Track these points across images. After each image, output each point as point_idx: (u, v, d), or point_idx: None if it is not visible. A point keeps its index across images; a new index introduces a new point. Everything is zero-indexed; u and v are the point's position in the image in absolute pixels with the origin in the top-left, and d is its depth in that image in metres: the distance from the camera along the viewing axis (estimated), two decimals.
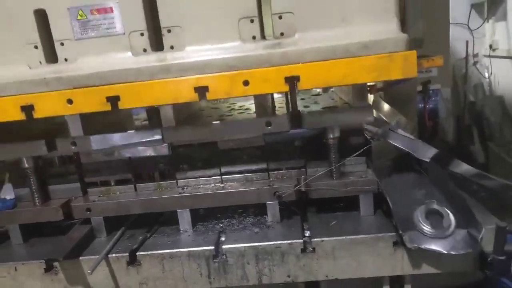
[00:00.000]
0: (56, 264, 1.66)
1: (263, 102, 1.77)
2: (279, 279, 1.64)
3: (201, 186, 1.85)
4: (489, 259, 1.52)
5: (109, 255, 1.66)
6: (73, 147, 1.75)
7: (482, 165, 6.04)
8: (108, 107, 1.56)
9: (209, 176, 1.85)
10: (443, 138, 7.61)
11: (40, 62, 1.63)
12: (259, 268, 1.64)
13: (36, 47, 1.62)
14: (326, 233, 1.64)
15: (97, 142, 1.73)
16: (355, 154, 1.75)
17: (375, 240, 1.59)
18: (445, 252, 1.48)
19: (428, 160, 1.82)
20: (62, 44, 1.61)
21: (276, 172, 1.85)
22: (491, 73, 6.36)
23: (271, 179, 1.84)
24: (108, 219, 1.83)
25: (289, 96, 1.82)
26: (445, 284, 1.75)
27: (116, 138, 1.74)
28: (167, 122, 1.74)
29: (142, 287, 1.68)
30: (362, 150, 1.75)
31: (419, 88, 2.81)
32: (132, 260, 1.65)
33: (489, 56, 6.33)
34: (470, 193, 1.84)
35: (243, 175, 1.86)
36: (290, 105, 1.82)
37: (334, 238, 1.61)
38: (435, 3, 2.62)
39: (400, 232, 1.55)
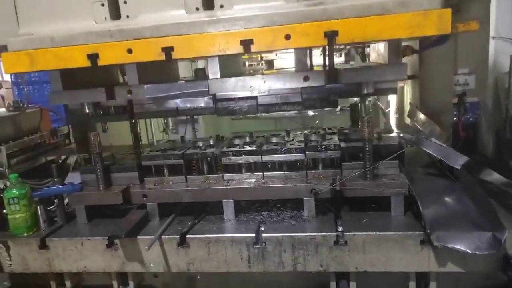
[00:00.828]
0: (116, 241, 1.90)
1: (303, 58, 1.84)
2: (312, 268, 1.80)
3: (245, 180, 2.04)
4: (511, 261, 1.62)
5: (162, 236, 1.88)
6: (129, 95, 1.92)
7: None
8: (162, 57, 1.71)
9: (253, 172, 2.05)
10: (482, 152, 7.48)
11: (105, 18, 1.80)
12: (294, 256, 1.80)
13: (102, 4, 1.79)
14: (358, 229, 1.79)
15: (150, 90, 1.90)
16: (388, 158, 1.88)
17: (403, 237, 1.72)
18: (470, 252, 1.59)
19: (459, 167, 1.93)
20: (125, 2, 1.79)
21: (313, 171, 2.02)
22: None
23: (308, 177, 2.00)
24: (160, 205, 2.06)
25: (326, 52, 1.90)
26: (469, 285, 1.84)
27: (167, 87, 1.91)
28: (214, 75, 1.87)
29: (190, 266, 1.88)
30: (395, 155, 1.88)
31: (455, 100, 2.89)
32: (182, 242, 1.86)
33: None
34: (498, 200, 1.93)
35: (283, 172, 2.03)
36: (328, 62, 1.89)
37: (365, 233, 1.75)
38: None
39: (428, 231, 1.67)
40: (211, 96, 1.97)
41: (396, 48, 1.80)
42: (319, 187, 1.89)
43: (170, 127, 4.35)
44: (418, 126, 2.58)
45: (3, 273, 2.09)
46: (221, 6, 1.73)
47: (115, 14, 1.80)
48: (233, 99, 2.02)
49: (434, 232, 1.65)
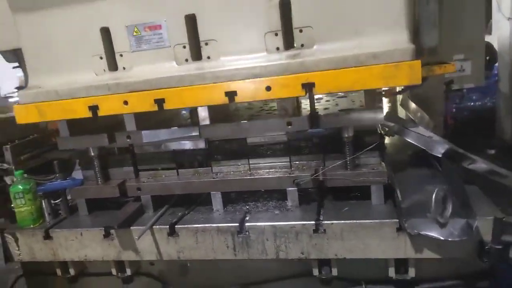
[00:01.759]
0: (112, 231, 2.04)
1: (285, 105, 1.99)
2: (294, 255, 1.88)
3: (232, 173, 2.13)
4: (486, 247, 1.65)
5: (154, 227, 2.00)
6: (128, 140, 2.10)
7: None
8: (155, 108, 1.87)
9: (239, 165, 2.14)
10: (501, 137, 7.27)
11: (104, 70, 1.97)
12: (276, 244, 1.89)
13: (101, 57, 1.96)
14: (337, 217, 1.85)
15: (147, 136, 2.08)
16: (367, 149, 1.93)
17: (379, 225, 1.77)
18: (442, 239, 1.63)
19: (440, 156, 1.95)
20: (121, 55, 1.94)
21: (297, 162, 2.09)
22: None
23: (292, 168, 2.07)
24: (155, 198, 2.18)
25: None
26: (449, 271, 1.88)
27: (162, 133, 2.08)
28: (204, 121, 2.03)
29: (179, 255, 2.00)
30: (373, 145, 1.93)
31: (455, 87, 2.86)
32: (172, 232, 1.98)
33: None
34: (481, 187, 1.95)
35: (268, 164, 2.11)
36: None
37: (343, 221, 1.81)
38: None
39: (404, 219, 1.72)
40: (204, 140, 2.11)
41: (371, 94, 1.90)
42: (301, 178, 1.96)
43: None
44: (410, 115, 2.60)
45: (14, 262, 2.27)
46: (208, 57, 1.85)
47: (113, 66, 1.97)
48: (224, 140, 2.14)
49: (409, 220, 1.70)
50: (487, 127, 7.44)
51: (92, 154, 2.20)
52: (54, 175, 2.36)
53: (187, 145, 2.14)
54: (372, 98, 1.91)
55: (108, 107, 1.92)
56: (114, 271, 2.17)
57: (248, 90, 1.77)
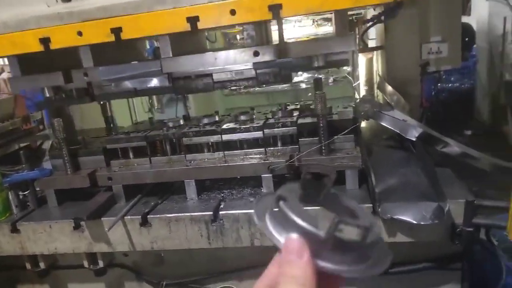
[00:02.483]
0: (82, 223, 1.97)
1: (252, 33, 1.90)
2: (269, 243, 1.85)
3: (206, 160, 2.08)
4: (457, 230, 1.66)
5: (125, 217, 1.94)
6: (85, 78, 1.97)
7: None
8: (112, 38, 1.74)
9: (214, 152, 2.09)
10: (478, 118, 7.40)
11: (56, 1, 1.84)
12: (251, 232, 1.86)
13: None
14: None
15: (105, 72, 1.94)
16: (342, 133, 1.90)
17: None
18: (415, 223, 1.63)
19: (414, 139, 1.94)
20: None
21: (272, 148, 2.05)
22: None
23: (267, 154, 2.04)
24: (127, 187, 2.12)
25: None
26: (423, 254, 1.89)
27: (121, 69, 1.95)
28: (165, 54, 1.88)
29: (153, 245, 1.96)
30: (349, 129, 1.90)
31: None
32: (144, 222, 1.93)
33: None
34: (454, 169, 1.96)
35: (243, 150, 2.07)
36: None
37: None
38: None
39: (377, 203, 1.71)
40: (166, 75, 1.98)
41: (342, 19, 1.80)
42: (275, 164, 1.92)
43: (156, 107, 4.38)
44: (387, 98, 2.58)
45: None
46: None
47: None
48: (189, 77, 2.03)
49: (382, 204, 1.69)
50: (465, 108, 7.56)
51: (48, 95, 2.06)
52: (21, 165, 2.27)
53: (150, 82, 2.02)
54: (343, 24, 1.81)
55: (61, 39, 1.78)
56: (86, 264, 2.12)
57: (211, 15, 1.67)
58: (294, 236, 0.66)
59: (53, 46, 1.80)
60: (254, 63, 1.90)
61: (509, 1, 6.16)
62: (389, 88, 2.55)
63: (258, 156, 2.04)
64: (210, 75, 2.00)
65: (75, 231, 2.00)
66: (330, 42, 1.81)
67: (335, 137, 1.93)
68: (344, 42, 1.78)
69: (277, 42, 1.87)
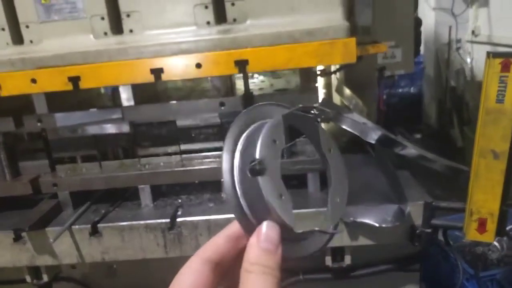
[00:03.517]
0: (24, 234, 1.79)
1: (218, 84, 1.88)
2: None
3: (162, 164, 1.97)
4: (417, 231, 1.67)
5: (73, 226, 1.79)
6: (39, 124, 1.84)
7: (460, 149, 6.23)
8: (70, 87, 1.65)
9: (170, 155, 1.98)
10: (426, 122, 7.80)
11: (7, 44, 1.72)
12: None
13: (3, 29, 1.71)
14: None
15: (61, 119, 1.83)
16: (303, 136, 1.87)
17: (316, 214, 1.73)
18: (377, 225, 1.63)
19: (373, 142, 1.95)
20: (27, 26, 1.70)
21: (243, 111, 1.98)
22: (473, 59, 6.47)
23: None
24: (76, 194, 1.96)
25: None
26: (383, 255, 1.90)
27: (79, 116, 1.84)
28: (127, 102, 1.84)
29: (104, 256, 1.82)
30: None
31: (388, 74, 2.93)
32: (94, 231, 1.79)
33: (471, 42, 6.42)
34: (412, 172, 1.99)
35: (202, 154, 1.98)
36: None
37: None
38: None
39: None
40: (128, 122, 1.88)
41: (307, 74, 1.83)
42: None
43: None
44: (345, 102, 2.60)
45: None
46: (131, 31, 1.67)
47: (18, 39, 1.71)
48: (151, 123, 1.92)
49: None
50: (414, 112, 7.91)
51: None
52: None
53: (109, 129, 1.90)
54: (308, 77, 1.86)
55: (13, 86, 1.67)
56: (28, 278, 1.93)
57: (176, 67, 1.63)
58: (275, 225, 0.62)
59: (4, 93, 1.69)
60: (220, 113, 1.86)
61: (453, 11, 6.54)
62: (348, 91, 2.58)
63: (217, 159, 1.96)
64: (173, 122, 1.91)
65: (16, 243, 1.81)
66: (296, 96, 1.84)
67: (297, 140, 1.89)
68: (309, 96, 1.81)
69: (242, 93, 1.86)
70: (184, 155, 1.98)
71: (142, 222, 1.79)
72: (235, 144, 0.65)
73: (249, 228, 0.62)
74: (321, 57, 1.61)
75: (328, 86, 2.90)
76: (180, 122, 1.91)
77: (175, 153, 1.96)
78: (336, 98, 2.78)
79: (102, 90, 2.43)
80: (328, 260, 1.88)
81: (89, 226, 1.79)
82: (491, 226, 1.52)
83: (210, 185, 2.02)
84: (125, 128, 1.89)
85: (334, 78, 2.77)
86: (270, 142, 0.63)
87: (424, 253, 1.85)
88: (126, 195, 2.04)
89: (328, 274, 1.92)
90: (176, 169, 1.91)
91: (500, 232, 1.54)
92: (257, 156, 0.61)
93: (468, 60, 6.58)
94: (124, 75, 1.66)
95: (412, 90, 7.79)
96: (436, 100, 7.06)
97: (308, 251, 0.66)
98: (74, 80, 1.64)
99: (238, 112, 1.82)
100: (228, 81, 1.97)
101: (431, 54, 7.04)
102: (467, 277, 2.07)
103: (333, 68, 2.28)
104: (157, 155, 1.97)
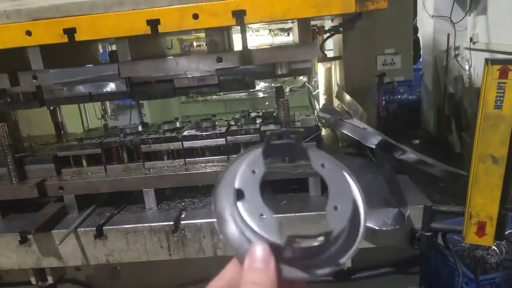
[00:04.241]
0: (30, 236, 1.82)
1: (215, 39, 1.85)
2: (232, 252, 1.81)
3: (166, 168, 2.01)
4: (417, 235, 1.70)
5: (78, 229, 1.82)
6: (34, 81, 1.82)
7: (458, 154, 6.27)
8: (65, 39, 1.63)
9: (174, 159, 2.01)
10: (425, 128, 7.85)
11: None
12: (214, 242, 1.81)
13: None
14: (276, 211, 1.80)
15: (56, 75, 1.80)
16: (304, 141, 1.91)
17: (317, 217, 1.76)
18: (377, 228, 1.65)
19: (373, 147, 1.98)
20: None
21: (235, 156, 2.01)
22: (471, 66, 6.53)
23: None
24: (81, 197, 1.98)
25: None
26: (383, 258, 1.93)
27: (75, 72, 1.82)
28: (124, 57, 1.81)
29: (109, 258, 1.84)
30: (311, 137, 1.91)
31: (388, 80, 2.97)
32: (99, 234, 1.81)
33: (470, 49, 6.49)
34: (411, 176, 2.02)
35: (205, 158, 2.02)
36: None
37: (282, 215, 1.78)
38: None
39: None
40: (124, 80, 1.87)
41: (306, 28, 1.81)
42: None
43: (109, 114, 4.20)
44: (345, 107, 2.63)
45: None
46: None
47: None
48: (149, 82, 1.95)
49: None
50: (413, 118, 7.95)
51: None
52: None
53: (106, 87, 1.87)
54: (306, 31, 1.82)
55: (8, 38, 1.65)
56: (33, 280, 1.95)
57: (173, 18, 1.61)
58: (260, 244, 0.63)
59: None
60: (217, 70, 1.86)
61: (452, 19, 6.61)
62: (348, 97, 2.61)
63: (220, 163, 1.99)
64: (171, 81, 1.92)
65: (21, 245, 1.83)
66: (294, 50, 1.82)
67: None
68: (307, 50, 1.79)
69: (240, 49, 1.85)
70: (188, 159, 2.01)
71: (146, 225, 1.82)
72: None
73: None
74: (319, 7, 1.58)
75: (328, 91, 2.94)
76: (178, 82, 1.90)
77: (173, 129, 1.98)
78: (336, 104, 2.82)
79: (100, 58, 2.40)
80: None
81: (94, 228, 1.81)
82: (490, 229, 1.55)
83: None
84: (122, 86, 1.86)
85: (335, 85, 2.81)
86: (248, 173, 0.69)
87: (423, 256, 1.88)
88: (131, 199, 2.07)
89: (328, 277, 1.95)
90: (179, 172, 1.95)
91: (499, 235, 1.57)
92: (236, 186, 0.67)
93: (466, 67, 6.64)
94: (120, 27, 1.63)
95: (411, 96, 7.86)
96: (434, 107, 7.12)
97: (312, 276, 0.64)
98: (70, 32, 1.62)
99: (235, 68, 1.79)
100: (226, 37, 1.96)
101: (430, 61, 7.11)
102: (466, 280, 2.09)
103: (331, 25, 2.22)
104: (160, 152, 2.00)
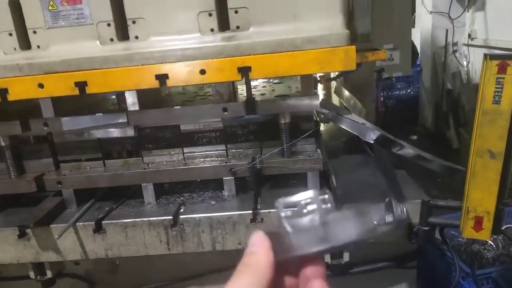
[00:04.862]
0: (28, 231, 1.82)
1: (221, 90, 1.91)
2: (231, 246, 1.82)
3: (165, 162, 2.01)
4: (414, 229, 1.72)
5: (77, 223, 1.82)
6: (45, 128, 1.89)
7: (455, 150, 6.29)
8: (76, 92, 1.69)
9: (172, 154, 2.01)
10: (423, 124, 7.87)
11: (15, 49, 1.75)
12: (213, 236, 1.81)
13: (10, 34, 1.73)
14: (275, 206, 1.82)
15: (67, 123, 1.87)
16: (303, 136, 1.91)
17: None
18: (375, 223, 1.66)
19: (372, 142, 1.99)
20: (34, 32, 1.73)
21: (234, 151, 2.02)
22: (469, 62, 6.55)
23: (229, 157, 2.00)
24: (79, 192, 1.99)
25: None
26: (381, 253, 1.94)
27: (85, 120, 1.88)
28: (132, 106, 1.88)
29: (108, 252, 1.85)
30: (310, 132, 1.92)
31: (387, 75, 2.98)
32: (98, 228, 1.82)
33: (468, 45, 6.50)
34: (409, 171, 2.04)
35: (204, 153, 2.02)
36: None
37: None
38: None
39: (339, 205, 1.73)
40: (133, 127, 1.93)
41: (308, 80, 1.88)
42: (238, 166, 1.89)
43: None
44: (343, 102, 2.64)
45: None
46: (136, 37, 1.71)
47: (25, 44, 1.74)
48: (156, 127, 1.97)
49: (343, 206, 1.71)
50: (410, 114, 7.98)
51: (3, 144, 1.94)
52: None
53: (114, 133, 1.95)
54: (308, 84, 1.90)
55: (20, 91, 1.71)
56: (32, 274, 1.96)
57: (181, 73, 1.67)
58: (259, 232, 0.71)
59: (11, 97, 1.71)
60: (223, 119, 1.91)
61: (450, 15, 6.61)
62: (346, 92, 2.62)
63: (219, 158, 2.00)
64: (177, 126, 1.95)
65: (20, 240, 1.84)
66: (297, 102, 1.86)
67: (297, 139, 1.93)
68: (309, 102, 1.85)
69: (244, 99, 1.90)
70: (186, 154, 2.01)
71: (145, 219, 1.82)
72: None
73: None
74: (322, 64, 1.64)
75: (327, 88, 2.94)
76: (184, 127, 1.95)
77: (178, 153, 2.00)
78: (335, 100, 2.83)
79: (107, 96, 2.46)
80: (327, 257, 1.91)
81: (93, 223, 1.82)
82: (487, 224, 1.56)
83: (212, 183, 2.06)
84: (130, 132, 1.93)
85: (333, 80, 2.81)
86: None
87: (420, 251, 1.89)
88: (129, 193, 2.08)
89: (327, 271, 1.96)
90: (178, 167, 1.95)
91: (496, 230, 1.58)
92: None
93: (465, 63, 6.66)
94: (129, 81, 1.69)
95: (408, 92, 7.87)
96: (432, 102, 7.14)
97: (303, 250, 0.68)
98: (81, 85, 1.68)
99: (241, 117, 1.87)
100: (231, 86, 2.01)
101: (428, 57, 7.12)
102: (463, 275, 2.11)
103: (332, 75, 2.32)
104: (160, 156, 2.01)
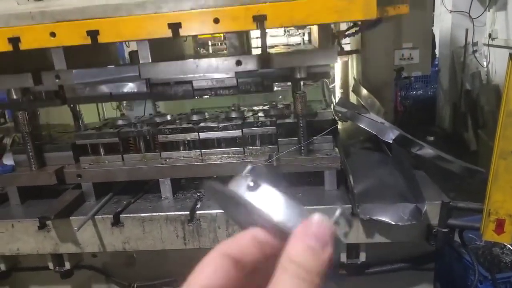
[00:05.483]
0: (48, 222, 1.85)
1: (235, 42, 1.87)
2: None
3: (182, 158, 2.02)
4: (433, 231, 1.69)
5: (96, 216, 1.85)
6: (57, 80, 1.86)
7: (473, 152, 6.17)
8: (88, 41, 1.66)
9: (190, 150, 2.03)
10: (440, 125, 7.74)
11: None
12: (229, 232, 1.82)
13: None
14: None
15: (78, 75, 1.84)
16: (321, 134, 1.90)
17: (332, 210, 1.75)
18: (393, 223, 1.65)
19: (390, 142, 1.97)
20: None
21: (251, 147, 2.02)
22: (489, 62, 6.40)
23: (246, 154, 2.00)
24: (98, 185, 2.01)
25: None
26: (398, 254, 1.92)
27: (96, 72, 1.86)
28: (144, 59, 1.82)
29: (125, 245, 1.87)
30: (328, 130, 1.91)
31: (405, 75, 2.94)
32: (116, 221, 1.84)
33: (488, 45, 6.36)
34: (428, 172, 2.01)
35: (221, 149, 2.03)
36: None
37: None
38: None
39: (356, 204, 1.72)
40: (144, 81, 1.90)
41: (326, 33, 1.81)
42: (255, 163, 1.89)
43: (124, 104, 4.23)
44: (361, 101, 2.62)
45: None
46: None
47: None
48: (168, 83, 1.96)
49: (361, 205, 1.70)
50: (428, 115, 7.83)
51: (15, 97, 1.92)
52: None
53: (127, 87, 1.91)
54: (326, 36, 1.82)
55: (32, 39, 1.68)
56: (51, 265, 1.99)
57: (194, 22, 1.62)
58: (327, 220, 0.51)
59: (23, 46, 1.69)
60: (236, 72, 1.87)
61: (471, 14, 6.48)
62: (364, 91, 2.60)
63: (236, 155, 2.00)
64: (190, 82, 1.93)
65: (40, 231, 1.87)
66: (314, 54, 1.81)
67: (315, 137, 1.92)
68: (327, 55, 1.79)
69: (259, 52, 1.84)
70: (204, 150, 2.02)
71: (162, 214, 1.84)
72: None
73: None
74: (340, 13, 1.56)
75: (345, 85, 2.92)
76: (197, 83, 1.92)
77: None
78: (353, 98, 2.80)
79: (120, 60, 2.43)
80: (343, 256, 1.90)
81: (111, 216, 1.84)
82: (509, 227, 1.53)
83: (229, 179, 2.05)
84: (142, 87, 1.89)
85: (352, 79, 2.78)
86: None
87: (438, 253, 1.87)
88: (147, 188, 2.10)
89: (342, 271, 1.95)
90: (195, 163, 1.96)
91: None
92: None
93: (485, 63, 6.51)
94: (142, 30, 1.65)
95: (426, 92, 7.75)
96: (450, 103, 7.01)
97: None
98: (93, 34, 1.65)
99: (254, 71, 1.80)
100: (245, 41, 1.96)
101: (447, 57, 6.98)
102: (480, 279, 2.07)
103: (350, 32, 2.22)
104: (177, 142, 2.02)
